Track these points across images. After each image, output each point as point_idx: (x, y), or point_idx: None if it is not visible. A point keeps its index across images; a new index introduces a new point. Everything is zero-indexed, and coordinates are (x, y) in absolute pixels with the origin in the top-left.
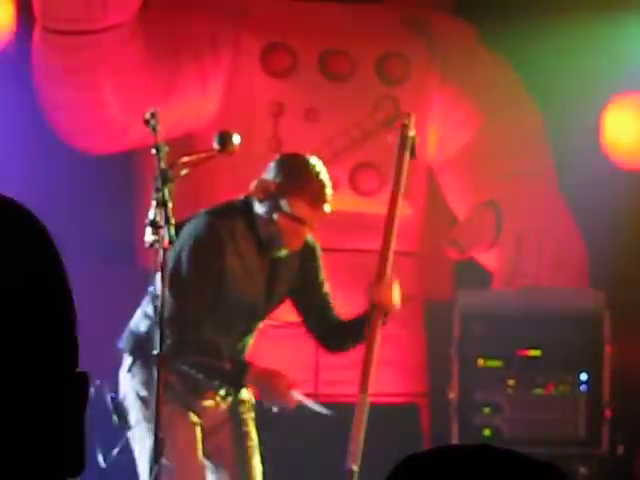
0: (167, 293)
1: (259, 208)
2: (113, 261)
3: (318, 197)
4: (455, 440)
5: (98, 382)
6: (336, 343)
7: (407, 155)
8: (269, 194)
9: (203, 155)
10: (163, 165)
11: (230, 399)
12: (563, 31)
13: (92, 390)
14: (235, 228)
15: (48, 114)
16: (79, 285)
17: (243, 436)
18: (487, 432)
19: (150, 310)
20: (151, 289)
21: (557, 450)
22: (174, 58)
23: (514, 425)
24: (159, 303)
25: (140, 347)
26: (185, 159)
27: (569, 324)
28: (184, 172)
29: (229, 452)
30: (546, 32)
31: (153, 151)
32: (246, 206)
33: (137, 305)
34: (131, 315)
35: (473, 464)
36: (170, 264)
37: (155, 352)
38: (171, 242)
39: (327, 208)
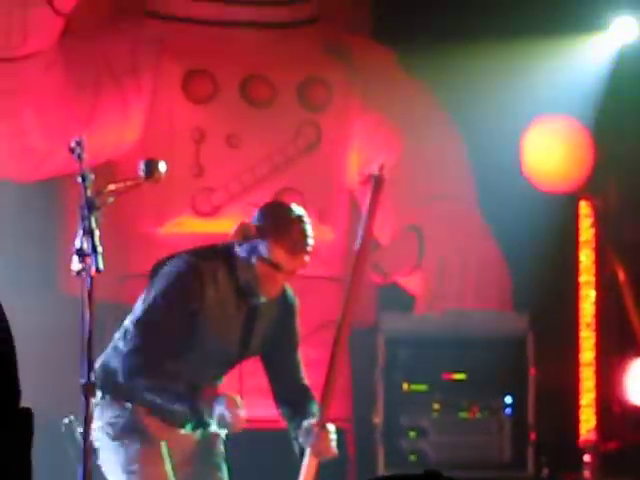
0: (133, 324)
1: (239, 252)
2: (35, 287)
3: (297, 245)
4: (381, 465)
5: (67, 420)
6: (286, 412)
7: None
8: (249, 237)
9: (129, 183)
10: (89, 193)
11: (199, 432)
12: (483, 54)
13: (64, 427)
14: (216, 272)
15: None
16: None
17: (213, 467)
18: (413, 457)
19: (121, 345)
20: (126, 324)
21: (483, 474)
22: (95, 85)
23: (440, 449)
24: (86, 332)
25: (110, 382)
26: (111, 187)
27: (493, 347)
28: (110, 200)
29: None
30: (466, 56)
31: (79, 179)
32: (228, 250)
33: (62, 333)
34: (61, 343)
35: None
36: (146, 297)
37: (82, 381)
38: (98, 271)
39: (306, 258)
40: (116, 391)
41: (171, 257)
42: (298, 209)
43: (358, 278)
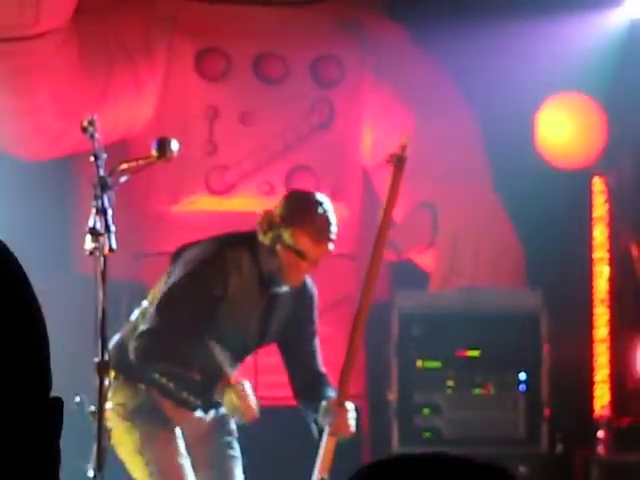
0: (155, 305)
1: (263, 240)
2: (49, 267)
3: (322, 232)
4: (395, 441)
5: (79, 399)
6: (303, 397)
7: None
8: (273, 225)
9: (142, 162)
10: (102, 172)
11: (212, 412)
12: (496, 31)
13: (75, 406)
14: (240, 260)
15: None
16: None
17: (225, 446)
18: (427, 434)
19: (139, 324)
20: (144, 304)
21: (497, 450)
22: (108, 63)
23: (454, 426)
24: (100, 311)
25: (124, 361)
26: (124, 166)
27: (507, 324)
28: (123, 179)
29: (212, 462)
30: (479, 33)
31: (91, 158)
32: (252, 239)
33: (75, 312)
34: (76, 324)
35: (428, 473)
36: (169, 280)
37: (96, 360)
38: (111, 250)
39: (330, 246)
40: (130, 371)
41: (195, 243)
42: (322, 197)
43: (378, 258)
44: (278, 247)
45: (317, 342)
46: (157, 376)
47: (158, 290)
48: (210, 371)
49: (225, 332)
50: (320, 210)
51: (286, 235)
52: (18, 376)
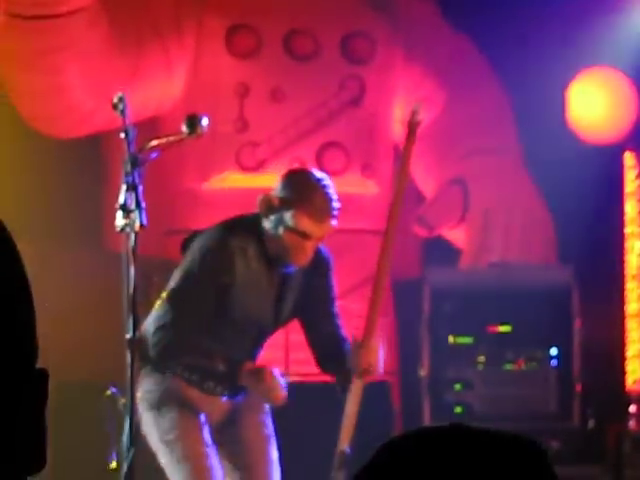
0: (166, 298)
1: (266, 224)
2: (81, 245)
3: (323, 211)
4: (427, 417)
5: (110, 391)
6: (327, 368)
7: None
8: (273, 209)
9: (172, 138)
10: (132, 149)
11: (241, 396)
12: (527, 6)
13: (105, 399)
14: (247, 245)
15: (14, 99)
16: (51, 270)
17: (258, 425)
18: (458, 409)
19: (162, 314)
20: (164, 294)
21: (528, 425)
22: (138, 41)
23: (485, 401)
24: (131, 287)
25: (149, 353)
26: (154, 142)
27: (538, 299)
28: (154, 156)
29: (245, 441)
30: (510, 8)
31: (122, 135)
32: (257, 222)
33: (107, 290)
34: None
35: (449, 446)
36: (178, 272)
37: (127, 336)
38: (142, 226)
39: (333, 222)
40: (155, 362)
41: (201, 231)
42: (319, 174)
43: (394, 224)
44: (281, 230)
45: (336, 310)
46: (180, 369)
47: (170, 281)
48: (233, 358)
49: (241, 319)
50: (318, 188)
51: (287, 218)
52: (2, 346)
